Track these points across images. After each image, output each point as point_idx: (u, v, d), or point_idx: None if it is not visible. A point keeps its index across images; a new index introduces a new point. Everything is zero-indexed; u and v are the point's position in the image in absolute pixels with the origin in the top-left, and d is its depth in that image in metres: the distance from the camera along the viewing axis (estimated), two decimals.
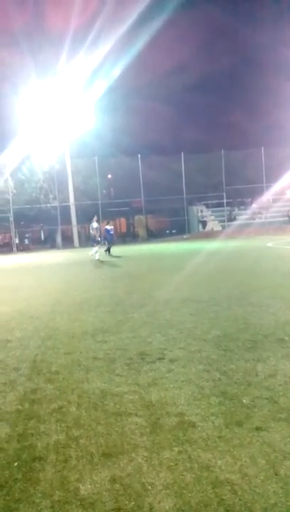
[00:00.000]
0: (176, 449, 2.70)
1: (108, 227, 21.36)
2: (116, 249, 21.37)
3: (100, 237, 19.81)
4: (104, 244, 21.68)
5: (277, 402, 3.25)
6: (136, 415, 3.18)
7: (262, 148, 36.09)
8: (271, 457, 2.54)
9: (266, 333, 5.11)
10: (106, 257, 19.70)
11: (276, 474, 2.37)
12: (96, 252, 18.93)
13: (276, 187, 36.31)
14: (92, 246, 19.73)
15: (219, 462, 2.52)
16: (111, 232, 21.31)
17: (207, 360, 4.29)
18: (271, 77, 42.18)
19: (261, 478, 2.35)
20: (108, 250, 20.97)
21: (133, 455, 2.66)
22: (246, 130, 43.32)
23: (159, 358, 4.45)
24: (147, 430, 2.95)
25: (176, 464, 2.53)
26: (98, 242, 19.49)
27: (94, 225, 19.99)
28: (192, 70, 42.98)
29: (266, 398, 3.32)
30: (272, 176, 35.83)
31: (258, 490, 2.25)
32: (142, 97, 42.04)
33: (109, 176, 41.09)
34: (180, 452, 2.66)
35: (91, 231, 20.32)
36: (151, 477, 2.42)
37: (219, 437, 2.80)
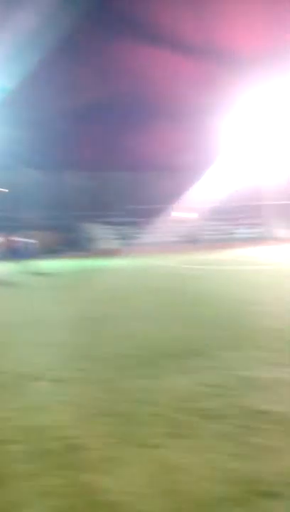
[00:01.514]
0: (64, 473, 2.47)
1: (14, 239, 19.37)
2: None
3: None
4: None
5: (171, 418, 3.19)
6: (17, 442, 2.87)
7: (163, 171, 37.76)
8: (164, 474, 2.44)
9: (161, 350, 5.09)
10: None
11: (169, 491, 2.28)
12: None
13: (174, 208, 38.15)
14: None
15: (111, 484, 2.35)
16: (19, 246, 19.31)
17: (98, 380, 4.11)
18: (167, 101, 44.12)
19: (156, 495, 2.24)
20: (21, 265, 18.61)
21: (14, 484, 2.36)
22: (146, 153, 44.65)
23: (43, 379, 4.14)
24: (31, 457, 2.67)
25: (65, 490, 2.30)
26: None
27: None
28: (91, 89, 43.38)
29: (159, 415, 3.24)
30: (170, 198, 37.60)
31: (153, 508, 2.13)
32: (41, 110, 41.38)
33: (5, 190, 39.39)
34: (66, 477, 2.43)
35: None
36: (37, 505, 2.16)
37: (109, 458, 2.63)
